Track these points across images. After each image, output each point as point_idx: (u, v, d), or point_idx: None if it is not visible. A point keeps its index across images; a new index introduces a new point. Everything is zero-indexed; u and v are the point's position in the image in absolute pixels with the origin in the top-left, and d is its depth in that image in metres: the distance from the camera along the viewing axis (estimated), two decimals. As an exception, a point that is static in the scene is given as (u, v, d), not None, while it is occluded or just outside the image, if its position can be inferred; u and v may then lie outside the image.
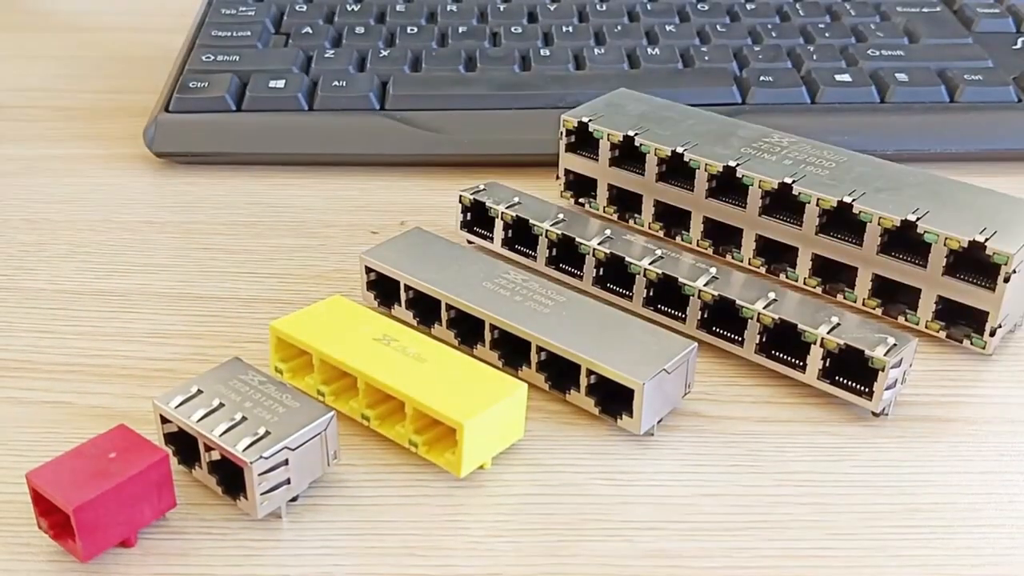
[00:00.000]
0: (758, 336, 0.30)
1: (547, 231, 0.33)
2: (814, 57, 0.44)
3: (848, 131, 0.41)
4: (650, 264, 0.31)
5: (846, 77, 0.42)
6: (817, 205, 0.31)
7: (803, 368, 0.29)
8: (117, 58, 0.52)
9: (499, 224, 0.34)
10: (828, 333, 0.28)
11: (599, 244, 0.32)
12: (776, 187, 0.32)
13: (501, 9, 0.48)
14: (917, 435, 0.29)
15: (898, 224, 0.30)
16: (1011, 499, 0.27)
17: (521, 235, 0.34)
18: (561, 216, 0.34)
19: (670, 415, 0.29)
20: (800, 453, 0.28)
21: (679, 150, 0.34)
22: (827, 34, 0.46)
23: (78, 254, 0.36)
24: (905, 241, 0.31)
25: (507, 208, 0.34)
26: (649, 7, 0.48)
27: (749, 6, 0.48)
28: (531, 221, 0.34)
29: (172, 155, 0.42)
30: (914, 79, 0.42)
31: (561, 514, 0.26)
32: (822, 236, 0.32)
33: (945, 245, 0.30)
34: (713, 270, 0.31)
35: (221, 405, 0.26)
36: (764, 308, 0.29)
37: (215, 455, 0.26)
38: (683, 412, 0.29)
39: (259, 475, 0.25)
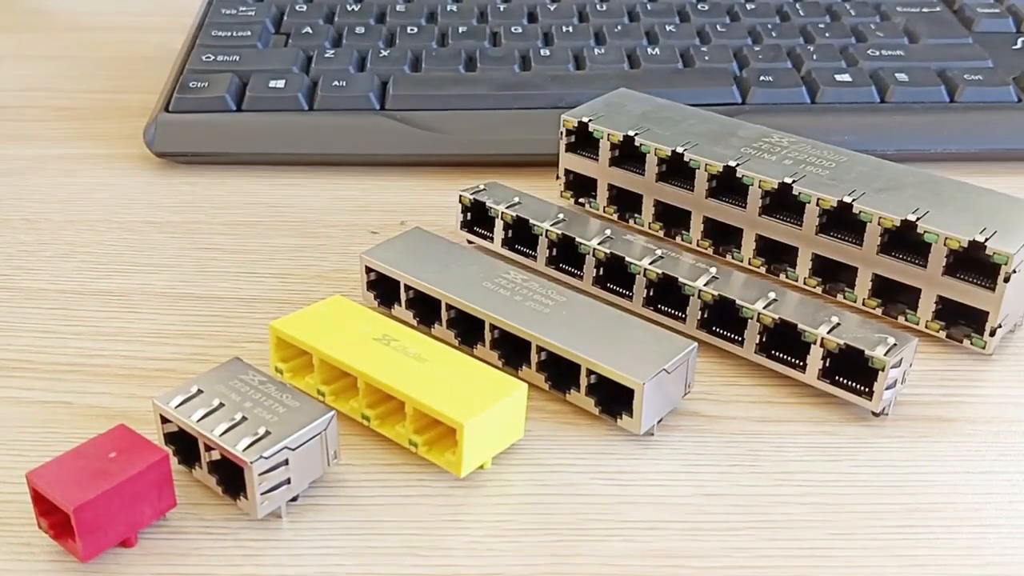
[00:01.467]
0: (758, 336, 0.30)
1: (547, 231, 0.33)
2: (814, 57, 0.44)
3: (848, 131, 0.41)
4: (650, 264, 0.31)
5: (846, 77, 0.42)
6: (817, 205, 0.31)
7: (803, 368, 0.29)
8: (117, 58, 0.52)
9: (499, 224, 0.34)
10: (828, 333, 0.28)
11: (599, 244, 0.32)
12: (776, 187, 0.32)
13: (501, 9, 0.48)
14: (918, 435, 0.29)
15: (898, 224, 0.30)
16: (1012, 499, 0.27)
17: (521, 235, 0.34)
18: (561, 216, 0.34)
19: (670, 415, 0.29)
20: (800, 453, 0.28)
21: (679, 150, 0.34)
22: (827, 34, 0.46)
23: (78, 254, 0.36)
24: (905, 241, 0.31)
25: (507, 208, 0.34)
26: (649, 7, 0.48)
27: (749, 6, 0.48)
28: (531, 221, 0.34)
29: (172, 155, 0.42)
30: (914, 79, 0.42)
31: (561, 514, 0.26)
32: (822, 236, 0.32)
33: (945, 245, 0.30)
34: (713, 270, 0.31)
35: (221, 405, 0.26)
36: (764, 308, 0.29)
37: (215, 455, 0.26)
38: (683, 412, 0.29)
39: (259, 475, 0.25)
